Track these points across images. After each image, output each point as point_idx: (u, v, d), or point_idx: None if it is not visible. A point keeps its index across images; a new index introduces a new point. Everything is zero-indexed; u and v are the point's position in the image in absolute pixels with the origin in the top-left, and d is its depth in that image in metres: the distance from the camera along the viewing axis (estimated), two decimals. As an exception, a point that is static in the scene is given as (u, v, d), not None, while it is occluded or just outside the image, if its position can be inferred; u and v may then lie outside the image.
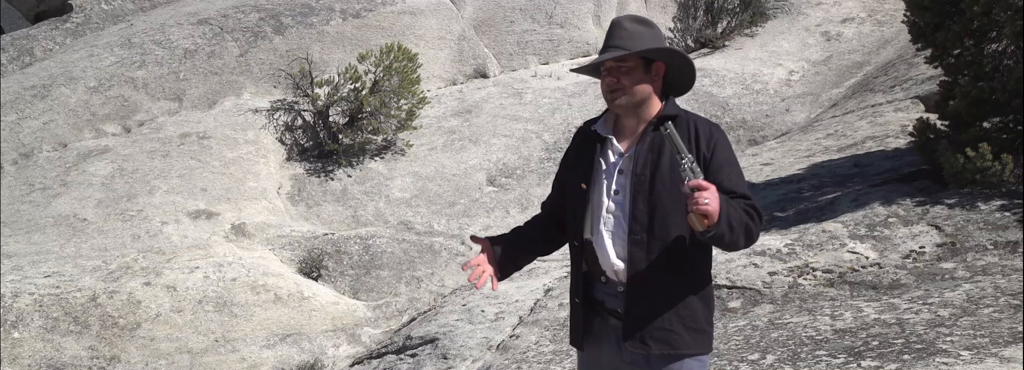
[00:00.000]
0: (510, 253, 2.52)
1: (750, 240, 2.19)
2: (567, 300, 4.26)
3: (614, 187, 2.33)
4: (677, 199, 2.23)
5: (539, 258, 2.77)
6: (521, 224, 2.63)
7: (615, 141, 2.37)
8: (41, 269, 7.96)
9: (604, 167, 2.36)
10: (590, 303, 2.43)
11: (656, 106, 2.36)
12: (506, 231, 2.61)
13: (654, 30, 2.35)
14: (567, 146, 2.56)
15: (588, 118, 3.81)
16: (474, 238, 2.56)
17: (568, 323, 2.64)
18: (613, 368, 2.39)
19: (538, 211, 2.67)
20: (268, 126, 11.33)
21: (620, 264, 2.30)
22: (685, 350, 2.28)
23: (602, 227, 2.33)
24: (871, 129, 8.01)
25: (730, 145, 2.34)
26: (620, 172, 2.33)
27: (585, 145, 2.44)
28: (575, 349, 2.55)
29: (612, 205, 2.32)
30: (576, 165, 2.43)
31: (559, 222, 2.52)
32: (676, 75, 2.39)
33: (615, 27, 2.35)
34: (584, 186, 2.37)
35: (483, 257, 2.48)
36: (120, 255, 8.36)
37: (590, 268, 2.40)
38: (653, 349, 2.26)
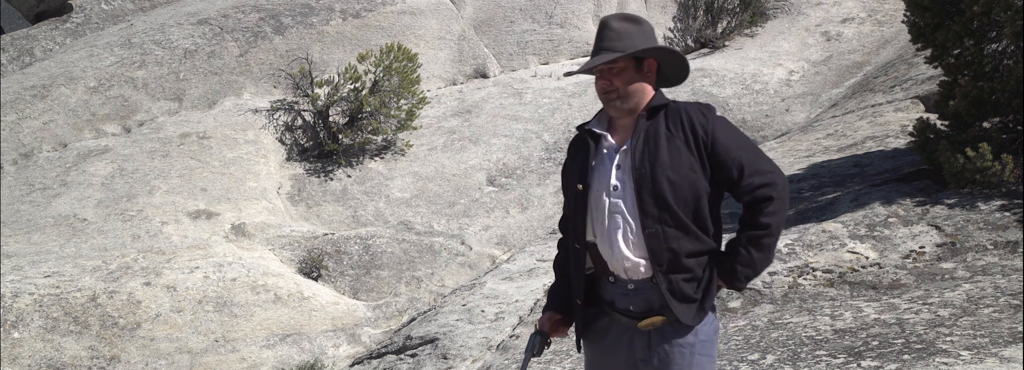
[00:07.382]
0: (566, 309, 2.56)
1: (773, 249, 2.33)
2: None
3: (614, 183, 2.30)
4: (680, 183, 2.24)
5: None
6: (557, 278, 2.62)
7: (610, 137, 2.36)
8: (41, 269, 7.96)
9: (600, 165, 2.35)
10: (596, 303, 2.43)
11: (648, 98, 2.36)
12: (551, 287, 2.63)
13: (643, 27, 2.34)
14: (566, 149, 2.56)
15: (588, 118, 3.80)
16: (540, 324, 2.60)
17: None
18: (628, 368, 2.39)
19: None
20: (268, 126, 11.33)
21: (632, 262, 2.29)
22: (708, 306, 2.37)
23: (607, 228, 2.31)
24: (871, 129, 8.01)
25: (730, 124, 2.34)
26: (618, 167, 2.31)
27: (580, 148, 2.43)
28: (578, 350, 2.55)
29: (614, 203, 2.30)
30: (572, 168, 2.43)
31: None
32: (669, 68, 2.40)
33: (603, 28, 2.34)
34: (581, 187, 2.35)
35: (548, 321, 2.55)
36: (120, 255, 8.36)
37: (597, 269, 2.39)
38: (694, 308, 2.32)
